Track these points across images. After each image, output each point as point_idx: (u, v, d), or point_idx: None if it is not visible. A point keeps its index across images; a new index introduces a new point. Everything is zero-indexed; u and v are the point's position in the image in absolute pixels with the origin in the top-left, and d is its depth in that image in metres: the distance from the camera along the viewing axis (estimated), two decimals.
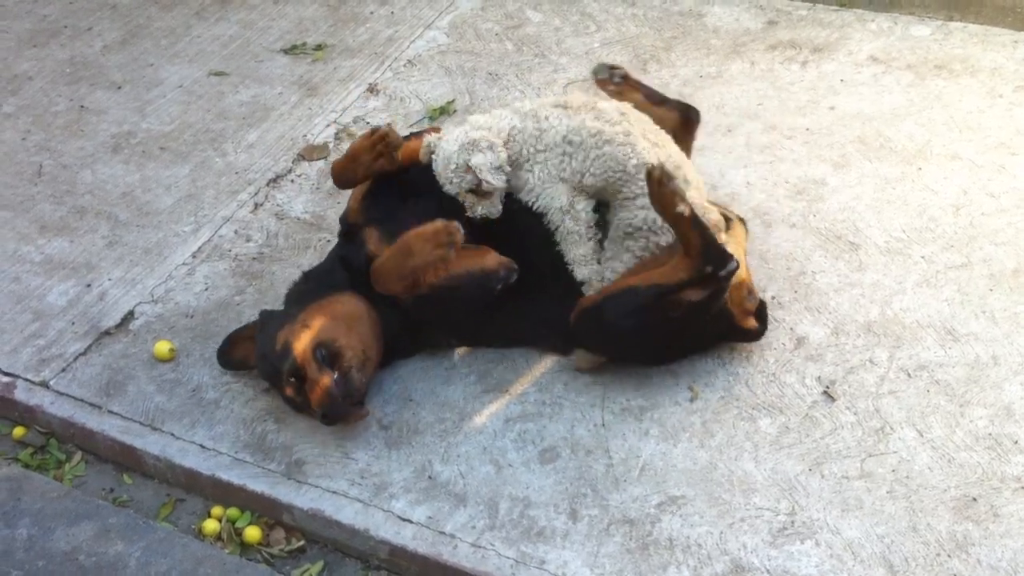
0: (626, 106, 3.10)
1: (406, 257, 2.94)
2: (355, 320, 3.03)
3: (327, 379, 2.89)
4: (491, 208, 3.00)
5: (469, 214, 3.00)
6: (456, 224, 2.90)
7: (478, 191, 2.98)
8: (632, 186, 2.96)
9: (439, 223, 2.91)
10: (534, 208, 3.02)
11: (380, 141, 3.08)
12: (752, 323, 3.04)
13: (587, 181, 2.98)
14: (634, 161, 2.95)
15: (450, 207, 3.01)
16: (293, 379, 2.94)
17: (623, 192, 2.98)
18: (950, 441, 2.84)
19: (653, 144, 3.01)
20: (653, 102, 3.27)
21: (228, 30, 4.77)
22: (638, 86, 3.29)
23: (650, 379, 3.08)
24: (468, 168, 2.94)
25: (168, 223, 3.79)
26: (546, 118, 3.01)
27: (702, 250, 2.82)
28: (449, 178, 2.98)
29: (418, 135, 3.20)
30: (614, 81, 3.25)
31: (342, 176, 3.22)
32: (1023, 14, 4.22)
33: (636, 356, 3.07)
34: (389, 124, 3.11)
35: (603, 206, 3.06)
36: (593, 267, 3.01)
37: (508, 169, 2.99)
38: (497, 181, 2.95)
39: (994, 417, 2.88)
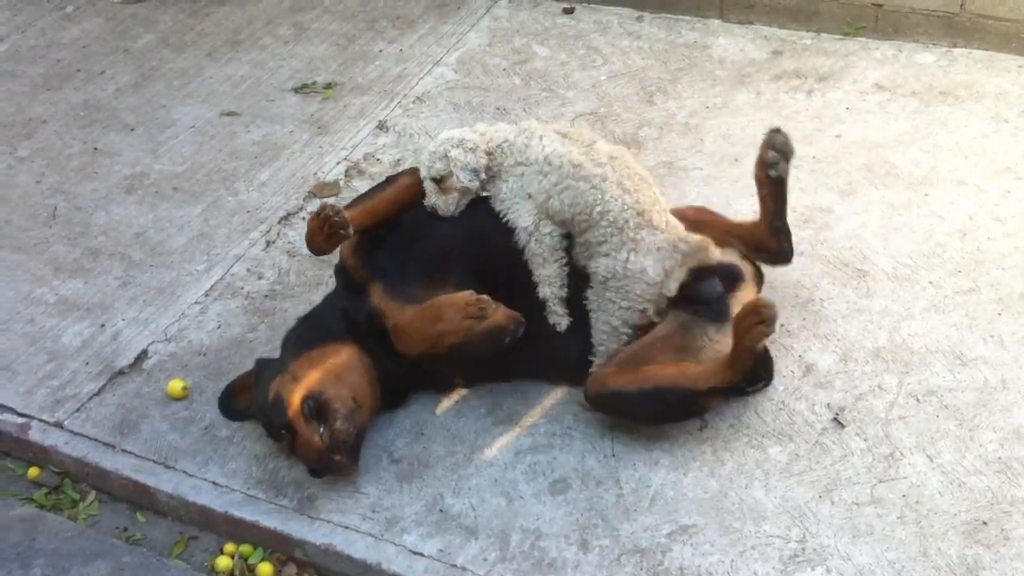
0: (620, 151, 3.10)
1: (434, 323, 2.92)
2: (346, 369, 3.03)
3: (314, 436, 2.90)
4: (445, 205, 3.06)
5: (424, 201, 3.10)
6: (487, 299, 2.88)
7: (443, 183, 3.06)
8: (596, 232, 2.98)
9: (470, 295, 2.88)
10: (504, 221, 3.06)
11: (325, 224, 3.01)
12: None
13: (553, 205, 2.99)
14: (599, 208, 2.96)
15: (456, 254, 3.07)
16: (285, 431, 2.95)
17: (588, 235, 3.00)
18: (960, 465, 2.83)
19: (624, 191, 2.99)
20: (772, 224, 3.13)
21: (239, 70, 4.84)
22: (780, 195, 3.11)
23: None
24: (444, 157, 3.04)
25: (181, 262, 3.83)
26: (539, 136, 3.07)
27: (747, 372, 2.87)
28: (424, 161, 3.09)
29: (395, 183, 3.20)
30: (770, 172, 3.06)
31: (311, 249, 3.14)
32: None
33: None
34: (332, 205, 3.02)
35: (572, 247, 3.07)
36: (555, 289, 3.03)
37: (483, 177, 3.07)
38: (466, 179, 3.03)
39: (1004, 441, 2.87)
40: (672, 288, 2.97)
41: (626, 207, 2.97)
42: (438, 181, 3.07)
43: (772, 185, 3.11)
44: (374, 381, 3.08)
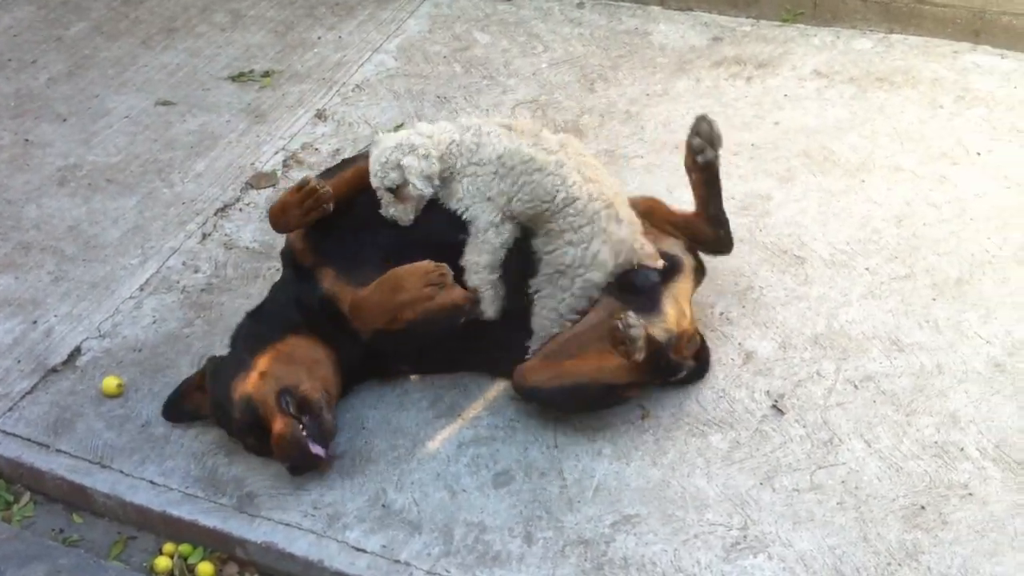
0: (568, 138, 3.09)
1: (395, 293, 2.90)
2: (315, 362, 3.00)
3: (296, 431, 2.86)
4: (404, 214, 3.01)
5: (381, 211, 3.03)
6: (446, 266, 2.89)
7: (399, 192, 2.99)
8: (560, 220, 2.96)
9: (429, 264, 2.89)
10: (463, 218, 3.01)
11: (309, 197, 3.00)
12: (690, 364, 3.06)
13: (515, 207, 2.97)
14: (563, 195, 2.94)
15: (409, 239, 3.03)
16: (256, 431, 2.91)
17: (551, 225, 2.97)
18: (897, 450, 2.87)
19: (587, 179, 2.99)
20: (706, 212, 3.14)
21: (175, 59, 4.75)
22: (712, 183, 3.11)
23: None
24: (398, 166, 2.96)
25: (115, 256, 3.76)
26: (487, 134, 3.02)
27: (655, 367, 2.89)
28: (376, 171, 3.00)
29: (350, 166, 3.18)
30: (697, 158, 3.06)
31: (277, 225, 3.13)
32: (962, 25, 4.28)
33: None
34: (317, 177, 3.04)
35: (532, 237, 3.05)
36: (484, 276, 2.98)
37: (437, 183, 3.00)
38: (422, 187, 2.97)
39: (940, 425, 2.91)
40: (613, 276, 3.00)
41: (593, 197, 2.97)
42: (393, 191, 3.02)
43: (701, 171, 3.09)
44: (337, 370, 3.06)
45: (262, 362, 2.98)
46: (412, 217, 3.02)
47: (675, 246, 3.15)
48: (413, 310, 2.89)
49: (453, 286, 2.91)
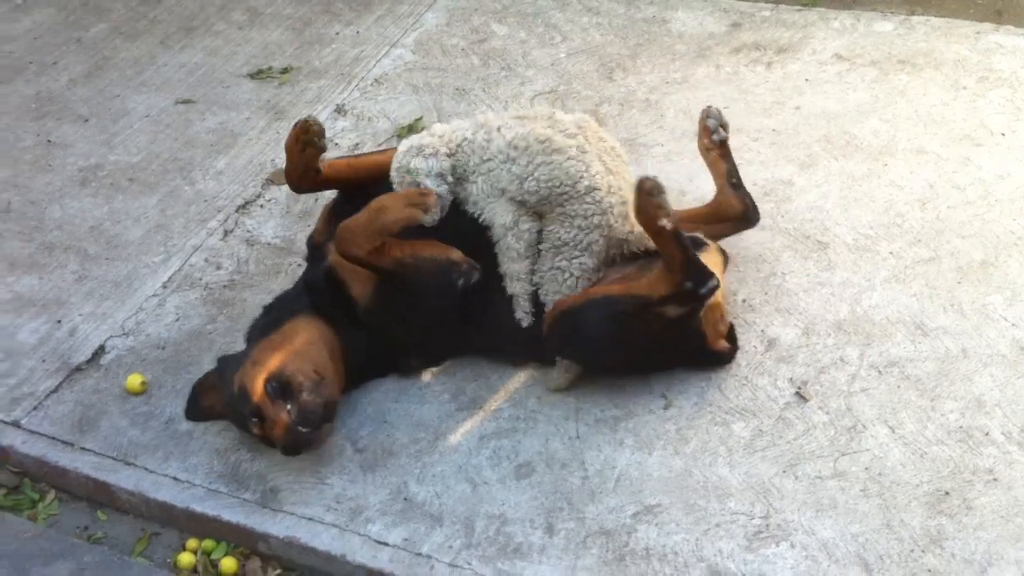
0: (585, 120, 3.07)
1: (378, 213, 2.95)
2: (306, 345, 3.02)
3: (281, 413, 2.88)
4: (430, 216, 2.99)
5: None
6: (431, 189, 2.95)
7: None
8: (575, 204, 2.94)
9: (414, 189, 2.97)
10: (480, 221, 3.01)
11: (302, 132, 3.13)
12: (724, 345, 3.05)
13: (528, 186, 2.93)
14: (586, 182, 2.93)
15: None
16: (256, 419, 2.93)
17: (564, 208, 2.95)
18: (922, 436, 2.84)
19: (608, 171, 2.98)
20: (729, 182, 3.24)
21: (193, 57, 4.77)
22: (728, 157, 3.24)
23: (624, 389, 3.08)
24: (409, 170, 2.97)
25: (138, 255, 3.78)
26: (498, 128, 3.01)
27: (683, 266, 2.81)
28: (393, 177, 3.03)
29: (384, 151, 3.27)
30: (714, 139, 3.21)
31: (288, 177, 3.28)
32: (984, 6, 4.23)
33: (608, 364, 3.06)
34: (310, 115, 3.20)
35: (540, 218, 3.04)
36: (525, 285, 3.01)
37: (450, 179, 2.99)
38: (435, 186, 2.96)
39: (965, 410, 2.88)
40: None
41: (612, 191, 2.96)
42: None
43: (719, 147, 3.22)
44: (337, 353, 3.07)
45: (256, 352, 3.01)
46: (436, 219, 3.01)
47: (697, 233, 3.13)
48: (400, 248, 2.94)
49: (453, 248, 2.97)
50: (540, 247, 3.01)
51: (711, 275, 2.85)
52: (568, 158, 2.93)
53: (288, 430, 2.86)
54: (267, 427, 2.90)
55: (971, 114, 3.79)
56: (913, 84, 3.97)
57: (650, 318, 2.87)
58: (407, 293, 3.01)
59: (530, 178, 2.93)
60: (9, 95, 4.67)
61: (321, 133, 3.15)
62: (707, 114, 3.21)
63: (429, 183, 2.96)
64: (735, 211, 3.22)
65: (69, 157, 4.29)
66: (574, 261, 2.96)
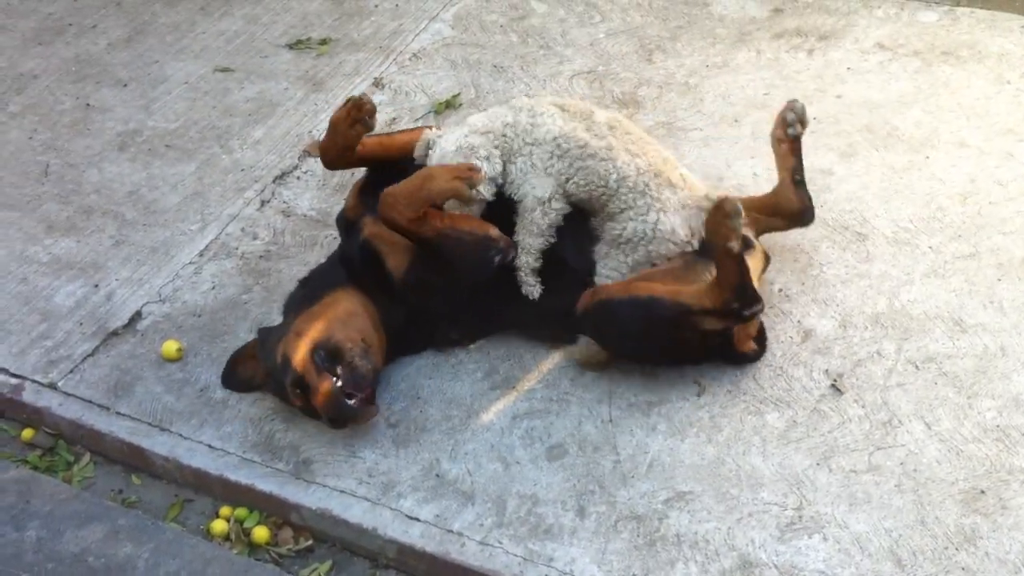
0: (617, 119, 3.10)
1: (424, 181, 2.94)
2: (349, 315, 3.04)
3: (327, 383, 2.89)
4: (475, 214, 3.02)
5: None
6: (480, 166, 2.94)
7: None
8: (616, 201, 2.98)
9: (464, 163, 2.96)
10: (512, 197, 3.02)
11: (355, 108, 3.11)
12: (751, 346, 3.04)
13: (570, 188, 2.99)
14: (615, 176, 2.96)
15: None
16: (298, 390, 2.94)
17: (608, 207, 2.99)
18: (958, 433, 2.83)
19: (633, 156, 3.00)
20: (793, 179, 3.15)
21: (233, 25, 4.76)
22: (798, 153, 3.16)
23: (657, 374, 3.08)
24: None
25: (175, 222, 3.79)
26: (541, 114, 3.03)
27: (736, 287, 2.83)
28: None
29: (413, 130, 3.27)
30: (788, 132, 3.12)
31: (326, 151, 3.26)
32: None
33: (634, 354, 3.07)
34: (364, 93, 3.19)
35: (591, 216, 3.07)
36: (530, 260, 3.02)
37: (500, 182, 3.01)
38: (487, 192, 2.98)
39: (1002, 408, 2.87)
40: (696, 244, 3.00)
41: (641, 171, 2.97)
42: None
43: (791, 141, 3.13)
44: (378, 324, 3.08)
45: (298, 322, 3.02)
46: (481, 197, 3.00)
47: (746, 229, 3.12)
48: (441, 220, 2.94)
49: (491, 225, 2.98)
50: (603, 237, 3.03)
51: (759, 300, 2.87)
52: (600, 160, 2.97)
53: (334, 399, 2.87)
54: (313, 397, 2.91)
55: (1015, 108, 3.75)
56: (956, 76, 3.93)
57: (687, 325, 2.90)
58: (442, 267, 3.01)
59: (571, 181, 2.98)
60: (49, 57, 4.68)
61: (373, 112, 3.13)
62: (790, 107, 3.11)
63: (482, 188, 2.95)
64: (792, 208, 3.17)
65: (108, 121, 4.30)
66: (644, 252, 2.98)
